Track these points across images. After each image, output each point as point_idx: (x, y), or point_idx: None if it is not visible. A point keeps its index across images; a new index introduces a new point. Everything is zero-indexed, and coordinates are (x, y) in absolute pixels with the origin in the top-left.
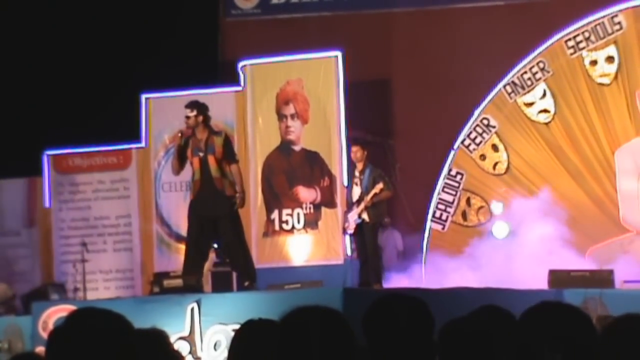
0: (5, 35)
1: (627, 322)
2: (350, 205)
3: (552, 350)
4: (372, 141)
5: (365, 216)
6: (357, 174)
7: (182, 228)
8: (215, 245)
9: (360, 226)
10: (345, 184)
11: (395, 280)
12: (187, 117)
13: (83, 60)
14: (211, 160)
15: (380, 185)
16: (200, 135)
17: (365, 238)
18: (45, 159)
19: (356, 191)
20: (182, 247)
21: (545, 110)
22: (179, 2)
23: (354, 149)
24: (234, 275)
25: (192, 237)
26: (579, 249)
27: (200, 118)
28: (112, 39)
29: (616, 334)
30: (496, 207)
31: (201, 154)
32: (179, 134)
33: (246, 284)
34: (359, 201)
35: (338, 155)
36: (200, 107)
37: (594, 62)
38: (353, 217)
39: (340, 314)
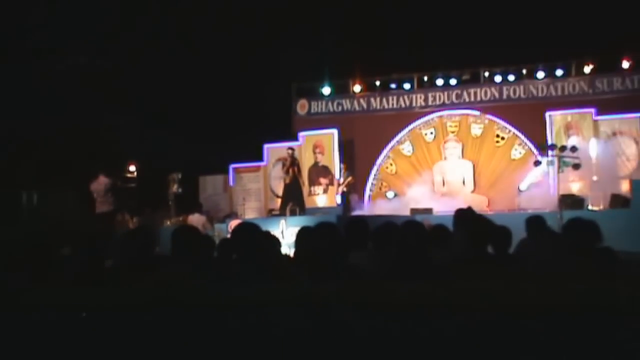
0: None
1: (440, 227)
2: (339, 185)
3: (408, 238)
4: (347, 162)
5: (345, 189)
6: (342, 173)
7: (279, 192)
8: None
9: (343, 192)
10: (337, 177)
11: (355, 213)
12: (289, 153)
13: (242, 127)
14: (296, 169)
15: (350, 178)
16: (291, 160)
17: (345, 197)
18: (230, 168)
19: (341, 180)
20: (279, 200)
21: (409, 151)
22: (279, 106)
23: (342, 165)
24: (297, 210)
25: (285, 197)
26: (424, 199)
27: (293, 153)
28: (245, 115)
29: (434, 231)
30: (390, 192)
31: (293, 167)
32: (287, 158)
33: (301, 212)
34: (342, 183)
35: (335, 167)
36: (293, 149)
37: (426, 134)
38: (340, 189)
39: (335, 224)
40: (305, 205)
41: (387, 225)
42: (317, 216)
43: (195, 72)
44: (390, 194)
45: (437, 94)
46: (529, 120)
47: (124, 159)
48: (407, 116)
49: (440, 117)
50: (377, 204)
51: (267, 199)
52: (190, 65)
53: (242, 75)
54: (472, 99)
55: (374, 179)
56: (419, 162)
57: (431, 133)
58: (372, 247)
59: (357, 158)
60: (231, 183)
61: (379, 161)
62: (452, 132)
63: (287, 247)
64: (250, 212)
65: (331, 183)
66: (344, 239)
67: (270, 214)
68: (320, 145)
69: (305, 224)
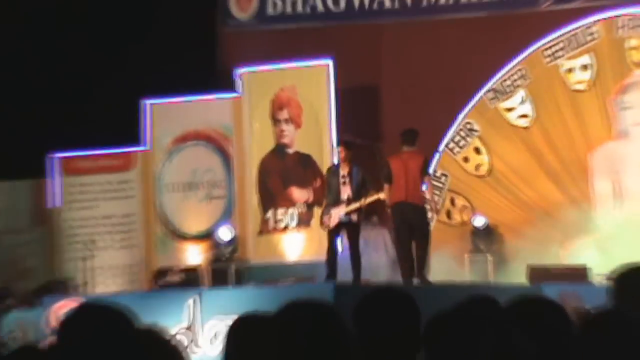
0: (11, 41)
1: (605, 317)
2: (335, 202)
3: (529, 340)
4: (362, 144)
5: (354, 217)
6: (343, 173)
7: (185, 226)
8: None
9: (341, 224)
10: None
11: (385, 276)
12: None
13: (85, 66)
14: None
15: (383, 194)
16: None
17: (349, 237)
18: (53, 162)
19: (344, 190)
20: (184, 245)
21: (524, 115)
22: (178, 11)
23: (339, 149)
24: (231, 271)
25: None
26: (556, 245)
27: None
28: (112, 45)
29: (596, 328)
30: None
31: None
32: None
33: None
34: (348, 200)
35: (329, 158)
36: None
37: (569, 70)
38: (338, 213)
39: (331, 307)
40: (246, 255)
41: (467, 314)
42: (282, 287)
43: None
44: (481, 221)
45: None
46: None
47: None
48: (516, 22)
49: (609, 23)
50: (438, 254)
51: (152, 244)
52: None
53: None
54: None
55: (432, 187)
56: (551, 144)
57: (584, 67)
58: None
59: (387, 135)
60: (56, 201)
61: (444, 143)
62: None
63: None
64: (110, 277)
65: (319, 201)
66: (357, 350)
67: (163, 280)
68: (290, 102)
69: (251, 307)
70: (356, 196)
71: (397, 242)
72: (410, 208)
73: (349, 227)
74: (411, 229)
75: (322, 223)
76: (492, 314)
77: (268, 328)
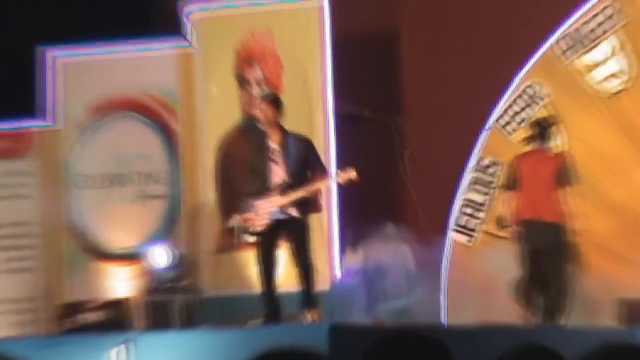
0: None
1: None
2: (261, 191)
3: None
4: (371, 117)
5: (294, 212)
6: (272, 145)
7: (108, 240)
8: None
9: (277, 225)
10: (334, 176)
11: (403, 312)
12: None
13: None
14: None
15: (351, 173)
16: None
17: (295, 245)
18: None
19: (275, 171)
20: (106, 267)
21: (614, 75)
22: None
23: (264, 107)
24: (177, 305)
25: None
26: None
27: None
28: None
29: None
30: None
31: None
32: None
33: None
34: (283, 186)
35: (324, 138)
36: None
37: None
38: (269, 207)
39: (326, 358)
40: (199, 283)
41: None
42: (253, 328)
43: None
44: None
45: None
46: None
47: None
48: None
49: None
50: (484, 279)
51: (58, 266)
52: None
53: None
54: None
55: (475, 182)
56: None
57: None
58: None
59: (409, 105)
60: None
61: (494, 117)
62: None
63: None
64: None
65: (309, 201)
66: None
67: (75, 319)
68: (264, 54)
69: (206, 357)
70: (296, 181)
71: (524, 273)
72: (541, 228)
73: (291, 228)
74: (543, 255)
75: (245, 229)
76: None
77: None
